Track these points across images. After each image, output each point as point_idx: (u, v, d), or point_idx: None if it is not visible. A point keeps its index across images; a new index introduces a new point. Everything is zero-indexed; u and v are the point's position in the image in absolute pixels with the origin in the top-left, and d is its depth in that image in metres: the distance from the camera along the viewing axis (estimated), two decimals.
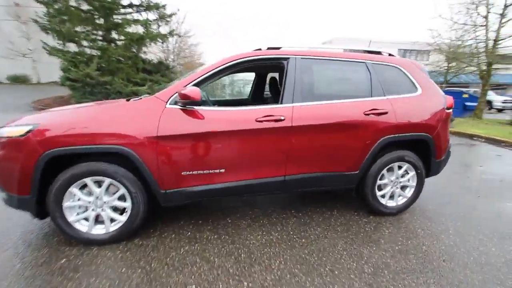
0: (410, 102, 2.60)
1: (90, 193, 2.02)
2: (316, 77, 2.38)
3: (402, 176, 2.71)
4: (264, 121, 2.15)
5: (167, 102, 2.04)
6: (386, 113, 2.46)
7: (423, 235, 2.42)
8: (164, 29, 14.82)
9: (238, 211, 2.73)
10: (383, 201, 2.69)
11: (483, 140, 7.69)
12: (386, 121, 2.46)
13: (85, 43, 12.87)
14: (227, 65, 2.20)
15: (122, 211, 2.12)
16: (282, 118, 2.18)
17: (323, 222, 2.57)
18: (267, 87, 3.86)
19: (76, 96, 12.18)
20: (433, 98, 2.70)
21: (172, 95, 2.06)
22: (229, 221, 2.53)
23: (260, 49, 2.40)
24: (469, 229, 2.55)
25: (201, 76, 2.14)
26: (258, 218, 2.61)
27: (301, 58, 2.36)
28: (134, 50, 13.76)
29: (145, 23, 13.60)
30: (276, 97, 3.35)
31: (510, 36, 11.92)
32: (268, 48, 2.40)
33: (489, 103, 19.44)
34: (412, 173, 2.71)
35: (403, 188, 2.76)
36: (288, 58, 2.34)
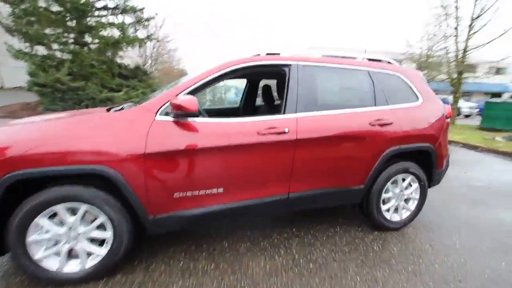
0: (412, 111, 2.50)
1: (61, 223, 1.69)
2: (319, 85, 2.21)
3: (406, 188, 2.60)
4: (267, 133, 1.93)
5: (156, 113, 1.76)
6: (391, 123, 2.34)
7: (431, 251, 2.29)
8: (141, 33, 14.29)
9: (234, 233, 2.46)
10: (387, 215, 2.55)
11: (461, 145, 7.98)
12: (391, 132, 2.33)
13: (55, 46, 12.04)
14: (224, 71, 1.97)
15: (101, 242, 1.79)
16: (286, 130, 1.98)
17: (328, 241, 2.37)
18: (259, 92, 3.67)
19: (45, 103, 11.28)
20: (433, 107, 2.64)
21: (163, 105, 1.78)
22: (226, 245, 2.26)
23: (259, 55, 2.19)
24: (474, 242, 2.47)
25: (196, 83, 1.88)
26: (258, 240, 2.36)
27: (303, 65, 2.18)
28: (109, 55, 13.07)
29: (121, 27, 12.99)
30: (270, 106, 3.17)
31: (477, 47, 12.68)
32: (267, 54, 2.20)
33: (458, 109, 20.62)
34: (415, 185, 2.60)
35: (406, 200, 2.65)
36: (290, 65, 2.15)
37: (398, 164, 2.47)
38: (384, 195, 2.50)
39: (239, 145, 1.87)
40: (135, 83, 13.76)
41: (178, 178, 1.78)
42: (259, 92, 3.68)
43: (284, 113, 2.05)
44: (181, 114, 1.69)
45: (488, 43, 12.82)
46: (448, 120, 2.77)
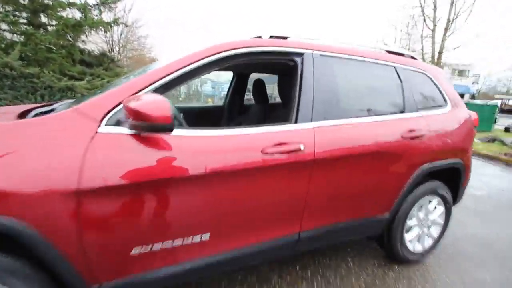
0: (443, 120, 2.03)
1: None
2: (340, 83, 1.64)
3: (430, 212, 2.14)
4: (275, 152, 1.33)
5: (101, 121, 1.08)
6: (423, 135, 1.84)
7: None
8: (107, 17, 12.88)
9: (221, 277, 1.84)
10: (410, 246, 2.08)
11: None
12: (423, 146, 1.84)
13: (4, 26, 10.39)
14: (210, 59, 1.31)
15: None
16: (302, 147, 1.39)
17: (344, 285, 1.85)
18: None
19: None
20: (462, 114, 2.19)
21: (112, 108, 1.10)
22: None
23: (260, 37, 1.57)
24: (505, 274, 2.10)
25: (166, 75, 1.21)
26: (254, 287, 1.77)
27: (320, 55, 1.59)
28: (70, 38, 11.59)
29: (83, 8, 11.55)
30: (263, 106, 2.56)
31: (457, 47, 12.97)
32: (271, 37, 1.58)
33: None
34: (441, 208, 2.16)
35: (428, 226, 2.20)
36: (303, 53, 1.55)
37: (426, 184, 2.00)
38: (407, 223, 2.02)
39: (235, 171, 1.24)
40: (100, 71, 12.35)
41: (138, 226, 1.12)
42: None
43: (296, 121, 1.45)
44: (143, 126, 1.02)
45: (456, 48, 13.22)
46: (475, 129, 2.36)
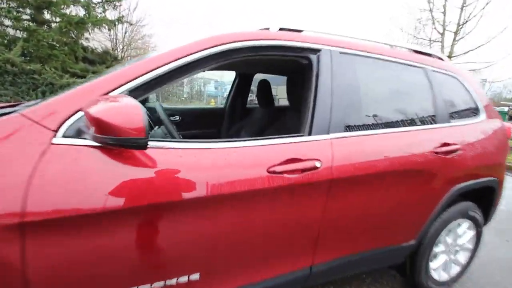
0: (478, 131, 1.76)
1: None
2: (364, 87, 1.37)
3: (459, 237, 1.86)
4: (285, 171, 1.06)
5: (56, 131, 0.82)
6: (457, 149, 1.56)
7: None
8: (112, 15, 12.77)
9: None
10: (436, 275, 1.80)
11: None
12: (458, 162, 1.56)
13: (7, 22, 10.30)
14: (207, 52, 1.05)
15: None
16: (318, 165, 1.12)
17: None
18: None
19: None
20: (496, 124, 1.92)
21: (71, 115, 0.84)
22: None
23: (268, 29, 1.31)
24: None
25: (148, 71, 0.95)
26: None
27: (340, 52, 1.32)
28: (73, 36, 11.49)
29: (87, 5, 11.45)
30: (268, 110, 2.30)
31: (466, 52, 12.61)
32: (281, 29, 1.32)
33: None
34: (471, 232, 1.88)
35: (455, 252, 1.92)
36: (320, 50, 1.28)
37: (456, 206, 1.72)
38: (434, 250, 1.74)
39: (233, 194, 0.98)
40: (102, 69, 12.28)
41: (104, 266, 0.87)
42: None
43: (310, 133, 1.19)
44: (107, 140, 0.76)
45: (466, 53, 12.85)
46: (509, 141, 2.07)
